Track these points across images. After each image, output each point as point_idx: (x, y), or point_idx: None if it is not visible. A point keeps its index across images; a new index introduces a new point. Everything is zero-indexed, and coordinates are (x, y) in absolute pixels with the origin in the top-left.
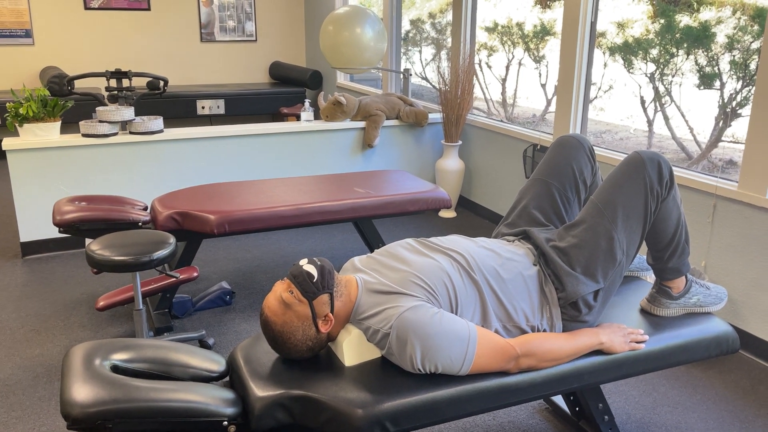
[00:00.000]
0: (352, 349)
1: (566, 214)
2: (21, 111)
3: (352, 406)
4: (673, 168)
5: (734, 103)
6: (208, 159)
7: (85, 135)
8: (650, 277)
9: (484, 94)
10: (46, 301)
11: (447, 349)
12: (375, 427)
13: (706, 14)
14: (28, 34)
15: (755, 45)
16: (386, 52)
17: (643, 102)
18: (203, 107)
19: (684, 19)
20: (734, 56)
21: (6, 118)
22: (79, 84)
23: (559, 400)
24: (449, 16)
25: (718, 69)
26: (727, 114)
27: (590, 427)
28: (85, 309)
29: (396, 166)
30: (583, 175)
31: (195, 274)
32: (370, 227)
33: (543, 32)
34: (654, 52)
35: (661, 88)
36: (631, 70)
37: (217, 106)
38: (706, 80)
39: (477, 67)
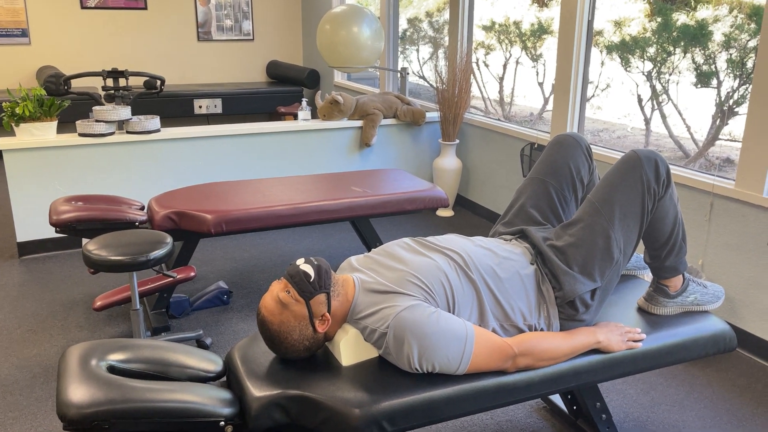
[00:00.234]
0: (349, 348)
1: (563, 212)
2: (17, 110)
3: (350, 406)
4: (671, 166)
5: (731, 102)
6: (205, 158)
7: (81, 134)
8: (647, 276)
9: (481, 92)
10: (43, 302)
11: (444, 349)
12: (372, 427)
13: (703, 12)
14: (24, 33)
15: (752, 43)
16: (383, 51)
17: (640, 100)
18: (200, 106)
19: (681, 18)
20: (731, 54)
21: (2, 118)
22: (75, 83)
23: (556, 399)
24: (446, 15)
25: (715, 67)
26: (724, 112)
27: (588, 426)
28: (82, 309)
29: (393, 165)
30: (581, 174)
31: (192, 274)
32: (367, 226)
33: (540, 31)
34: (651, 50)
35: (659, 87)
36: (628, 69)
37: (215, 106)
38: (703, 78)
39: (474, 65)
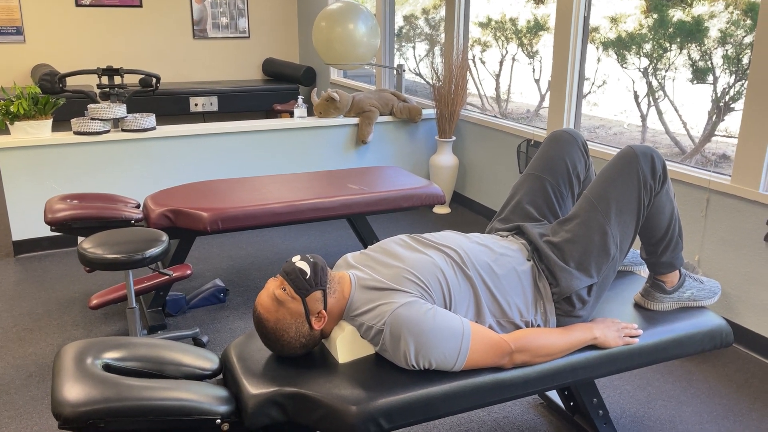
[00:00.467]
0: (346, 345)
1: (560, 209)
2: (12, 109)
3: (346, 403)
4: (667, 162)
5: (727, 98)
6: (201, 156)
7: (76, 133)
8: (644, 272)
9: (477, 89)
10: (39, 300)
11: (441, 345)
12: (369, 424)
13: (699, 9)
14: (19, 31)
15: (748, 39)
16: (379, 48)
17: (636, 97)
18: (196, 104)
19: (677, 14)
20: (727, 51)
21: None
22: (70, 81)
23: (553, 395)
24: (443, 12)
25: (711, 63)
26: (720, 108)
27: (585, 422)
28: (78, 308)
29: (390, 162)
30: (577, 170)
31: (188, 272)
32: (364, 224)
33: (536, 27)
34: (647, 46)
35: (655, 83)
36: (624, 65)
37: (210, 103)
38: (699, 75)
39: (471, 62)
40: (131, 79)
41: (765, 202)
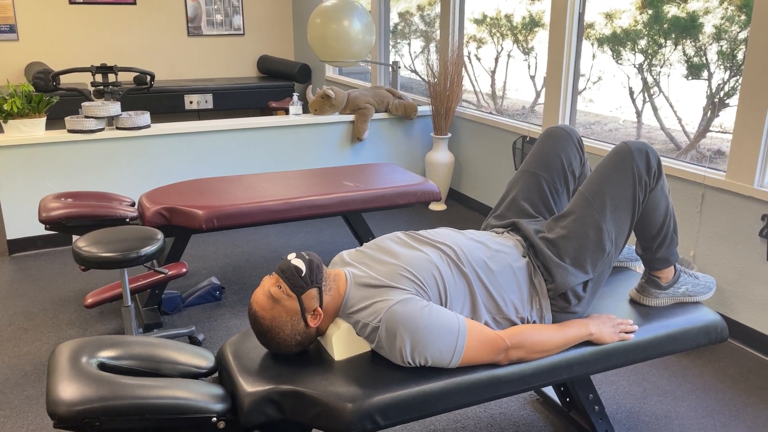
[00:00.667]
0: (342, 343)
1: (555, 205)
2: (5, 107)
3: (342, 401)
4: (662, 158)
5: (722, 93)
6: (196, 154)
7: (71, 131)
8: (639, 268)
9: (473, 86)
10: (34, 299)
11: (436, 342)
12: (365, 421)
13: (694, 4)
14: (12, 29)
15: (742, 35)
16: (375, 45)
17: (631, 93)
18: (191, 102)
19: (672, 10)
20: (722, 46)
21: None
22: (64, 79)
23: (549, 391)
24: (438, 9)
25: (706, 59)
26: (714, 104)
27: (581, 418)
28: (73, 306)
29: (385, 159)
30: (572, 166)
31: (184, 270)
32: (359, 221)
33: (532, 24)
34: (642, 42)
35: (650, 79)
36: (619, 61)
37: (205, 101)
38: (694, 70)
39: (466, 59)
40: (126, 77)
41: (760, 198)
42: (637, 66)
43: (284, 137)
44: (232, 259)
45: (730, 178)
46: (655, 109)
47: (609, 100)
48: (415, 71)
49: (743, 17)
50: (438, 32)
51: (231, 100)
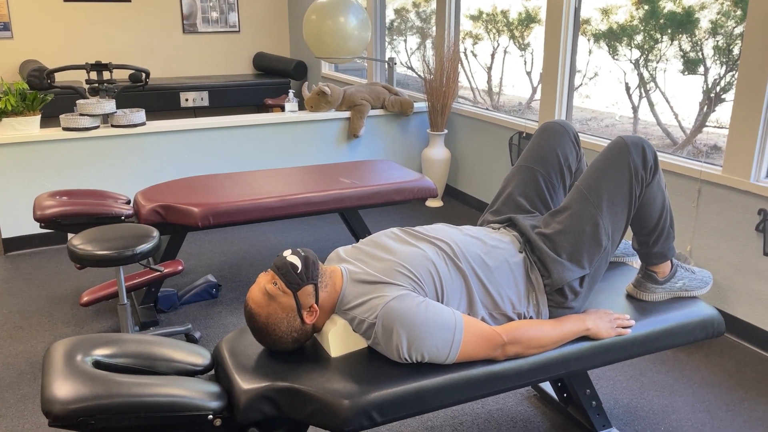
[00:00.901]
0: (338, 339)
1: (551, 200)
2: (0, 105)
3: (339, 397)
4: (658, 153)
5: (718, 88)
6: (191, 151)
7: (65, 129)
8: (636, 263)
9: (469, 82)
10: (29, 298)
11: (433, 338)
12: (362, 418)
13: (690, 0)
14: (6, 27)
15: (738, 30)
16: (370, 42)
17: (628, 88)
18: (187, 99)
19: (668, 5)
20: (717, 41)
21: None
22: (59, 77)
23: (547, 386)
24: (434, 5)
25: (702, 54)
26: (711, 99)
27: (578, 413)
28: (69, 305)
29: (382, 155)
30: (568, 161)
31: (180, 268)
32: (356, 218)
33: (528, 20)
34: (638, 38)
35: (646, 75)
36: (615, 57)
37: (201, 98)
38: (690, 66)
39: (462, 55)
40: (121, 75)
41: (756, 192)
42: (633, 61)
43: (280, 134)
44: (228, 256)
45: (726, 172)
46: (651, 104)
47: (605, 96)
48: (411, 68)
49: (739, 12)
50: (434, 28)
51: (227, 98)
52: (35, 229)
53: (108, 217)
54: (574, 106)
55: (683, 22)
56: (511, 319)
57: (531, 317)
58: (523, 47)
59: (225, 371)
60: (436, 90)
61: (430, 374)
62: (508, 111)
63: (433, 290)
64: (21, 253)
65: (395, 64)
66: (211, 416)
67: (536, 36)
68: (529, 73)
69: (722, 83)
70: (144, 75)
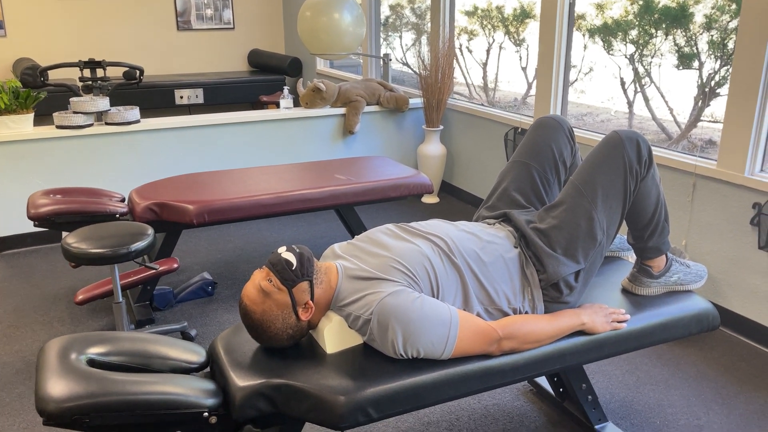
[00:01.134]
0: (334, 336)
1: (546, 195)
2: None
3: (335, 393)
4: (653, 148)
5: (713, 83)
6: (186, 149)
7: (59, 127)
8: (631, 257)
9: (465, 78)
10: (24, 297)
11: (429, 334)
12: (358, 414)
13: None
14: (0, 25)
15: (732, 24)
16: (365, 38)
17: (623, 83)
18: (181, 97)
19: (662, 0)
20: (712, 36)
21: None
22: (52, 75)
23: (543, 381)
24: (428, 1)
25: (697, 49)
26: (705, 94)
27: (574, 408)
28: (64, 303)
29: (377, 152)
30: (563, 156)
31: (175, 266)
32: (352, 214)
33: (523, 15)
34: (633, 33)
35: (641, 70)
36: (610, 52)
37: (196, 96)
38: (685, 60)
39: (458, 51)
40: (115, 72)
41: (751, 186)
42: (628, 56)
43: (275, 131)
44: (224, 254)
45: (721, 167)
46: (646, 99)
47: (600, 91)
48: (406, 64)
49: (733, 6)
50: (429, 24)
51: (222, 95)
52: (29, 227)
53: (102, 215)
54: (569, 101)
55: (678, 17)
56: (506, 314)
57: (526, 312)
58: (518, 43)
59: (220, 368)
60: (431, 86)
61: (426, 370)
62: (503, 107)
63: (429, 286)
64: (15, 252)
65: (390, 60)
66: (206, 414)
67: (531, 31)
68: (524, 69)
69: (717, 78)
70: (138, 72)
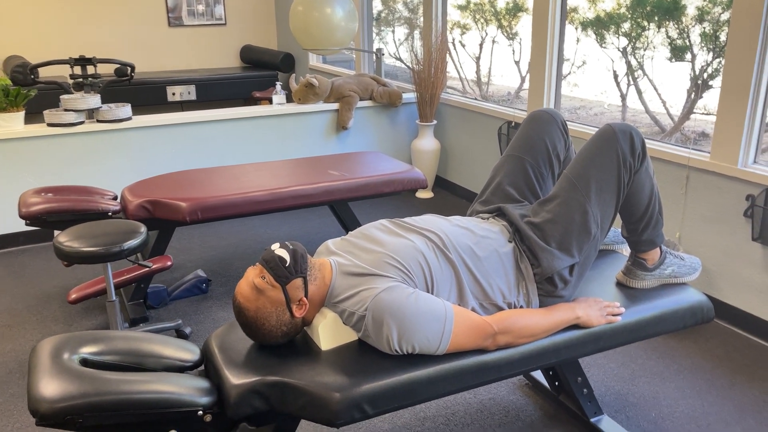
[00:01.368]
0: (328, 332)
1: (540, 189)
2: None
3: (330, 390)
4: (647, 141)
5: (705, 75)
6: (179, 146)
7: (50, 124)
8: (625, 250)
9: (458, 72)
10: (17, 296)
11: (424, 329)
12: (353, 410)
13: None
14: None
15: (725, 16)
16: (358, 33)
17: (616, 76)
18: (174, 93)
19: None
20: (704, 28)
21: None
22: (43, 72)
23: (538, 375)
24: None
25: (689, 41)
26: (698, 86)
27: (570, 401)
28: (57, 302)
29: (371, 147)
30: (557, 150)
31: (169, 263)
32: (346, 210)
33: (515, 9)
34: (626, 26)
35: (634, 62)
36: (603, 45)
37: (188, 92)
38: (678, 53)
39: (451, 45)
40: (106, 69)
41: (744, 178)
42: (621, 49)
43: (268, 127)
44: (217, 251)
45: (714, 159)
46: (639, 92)
47: (594, 85)
48: (399, 58)
49: None
50: (421, 19)
51: (214, 91)
52: (21, 226)
53: (95, 214)
54: (562, 94)
55: (670, 9)
56: (501, 309)
57: (521, 306)
58: (511, 37)
59: (215, 366)
60: (424, 81)
61: (421, 365)
62: (496, 101)
63: (423, 281)
64: (7, 251)
65: (383, 55)
66: (201, 412)
67: (524, 25)
68: (517, 63)
69: (709, 70)
70: (129, 69)
